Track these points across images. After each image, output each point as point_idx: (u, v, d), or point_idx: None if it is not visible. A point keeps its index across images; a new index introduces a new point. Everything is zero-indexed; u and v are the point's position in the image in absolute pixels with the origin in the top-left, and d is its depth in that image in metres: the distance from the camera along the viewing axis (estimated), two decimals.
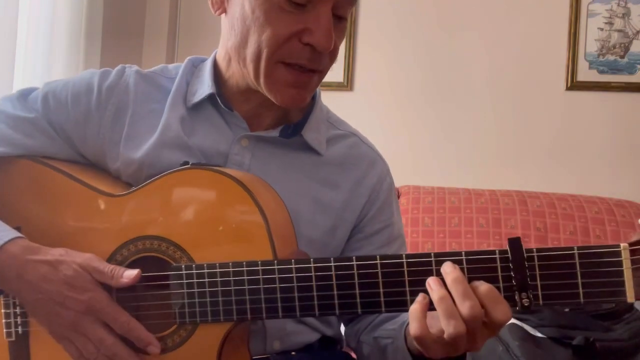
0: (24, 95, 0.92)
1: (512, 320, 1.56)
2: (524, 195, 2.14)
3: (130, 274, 0.75)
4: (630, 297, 0.63)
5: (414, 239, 2.10)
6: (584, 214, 2.04)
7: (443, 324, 0.64)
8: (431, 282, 0.66)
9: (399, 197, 2.17)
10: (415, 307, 0.66)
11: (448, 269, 0.66)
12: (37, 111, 0.89)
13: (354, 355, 1.00)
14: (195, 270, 0.74)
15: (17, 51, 1.87)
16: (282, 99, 0.84)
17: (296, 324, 0.90)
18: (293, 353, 0.90)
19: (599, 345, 1.44)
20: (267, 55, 0.80)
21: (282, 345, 0.88)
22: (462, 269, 0.66)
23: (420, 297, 0.67)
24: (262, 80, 0.83)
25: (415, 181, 2.27)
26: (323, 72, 0.86)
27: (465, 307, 0.63)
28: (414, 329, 0.66)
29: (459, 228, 2.09)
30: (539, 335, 1.52)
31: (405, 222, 2.07)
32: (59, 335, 0.76)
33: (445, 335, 0.64)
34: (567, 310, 1.60)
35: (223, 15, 0.88)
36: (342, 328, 1.03)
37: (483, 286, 0.65)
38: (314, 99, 0.98)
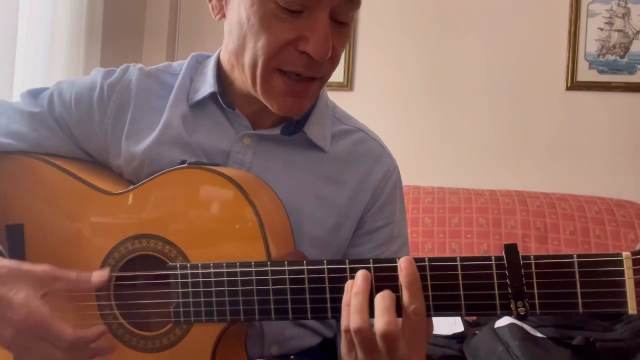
0: (35, 94, 0.94)
1: (512, 321, 1.55)
2: (524, 195, 2.14)
3: (100, 275, 0.76)
4: (632, 308, 0.60)
5: (414, 239, 2.09)
6: (584, 214, 2.04)
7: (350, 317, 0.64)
8: (358, 276, 0.65)
9: None
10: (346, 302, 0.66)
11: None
12: (43, 107, 0.91)
13: None
14: (190, 270, 0.73)
15: (17, 51, 1.88)
16: (278, 108, 0.82)
17: (296, 328, 0.90)
18: (292, 357, 0.89)
19: (599, 345, 1.44)
20: (262, 64, 0.78)
21: (280, 349, 0.88)
22: (456, 275, 0.64)
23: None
24: (258, 88, 0.81)
25: (415, 181, 2.27)
26: (324, 79, 0.84)
27: (381, 322, 0.62)
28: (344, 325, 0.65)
29: (459, 228, 2.09)
30: (539, 335, 1.52)
31: None
32: (8, 349, 0.74)
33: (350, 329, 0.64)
34: None
35: (224, 19, 0.87)
36: None
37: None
38: None
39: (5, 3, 1.81)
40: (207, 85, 0.90)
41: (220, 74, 0.91)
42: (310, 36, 0.75)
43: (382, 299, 0.64)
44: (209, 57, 0.96)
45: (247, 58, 0.80)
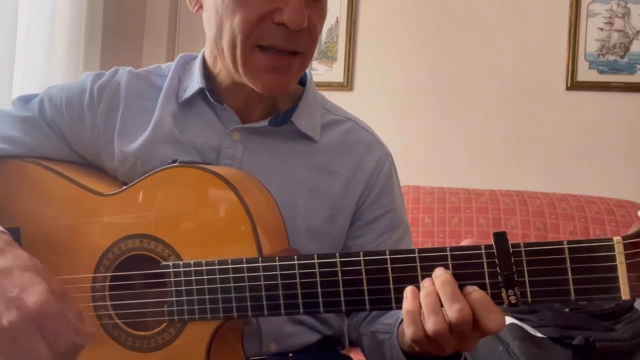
0: (26, 100, 0.94)
1: (512, 320, 1.56)
2: (524, 195, 2.13)
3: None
4: (624, 293, 0.59)
5: (414, 239, 2.09)
6: (584, 214, 2.04)
7: (425, 320, 0.62)
8: (425, 282, 0.64)
9: None
10: (409, 309, 0.64)
11: (438, 272, 0.64)
12: (34, 112, 0.92)
13: (353, 357, 0.98)
14: (183, 268, 0.74)
15: (17, 51, 1.88)
16: (263, 86, 0.82)
17: (293, 325, 0.90)
18: (290, 355, 0.89)
19: (599, 345, 1.44)
20: (241, 41, 0.79)
21: (279, 346, 0.88)
22: (447, 266, 0.64)
23: (410, 296, 0.64)
24: (240, 68, 0.82)
25: (415, 181, 2.26)
26: (305, 55, 0.84)
27: (452, 309, 0.61)
28: (411, 332, 0.64)
29: (459, 228, 2.08)
30: (539, 335, 1.52)
31: None
32: None
33: (427, 331, 0.62)
34: (567, 310, 1.60)
35: (201, 11, 0.88)
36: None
37: (476, 292, 0.62)
38: (304, 85, 0.96)
39: (5, 3, 1.82)
40: (194, 82, 0.91)
41: (207, 70, 0.92)
42: (285, 6, 0.77)
43: (444, 285, 0.62)
44: (195, 57, 0.96)
45: (226, 40, 0.81)
